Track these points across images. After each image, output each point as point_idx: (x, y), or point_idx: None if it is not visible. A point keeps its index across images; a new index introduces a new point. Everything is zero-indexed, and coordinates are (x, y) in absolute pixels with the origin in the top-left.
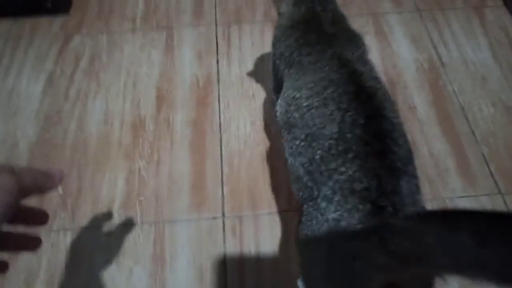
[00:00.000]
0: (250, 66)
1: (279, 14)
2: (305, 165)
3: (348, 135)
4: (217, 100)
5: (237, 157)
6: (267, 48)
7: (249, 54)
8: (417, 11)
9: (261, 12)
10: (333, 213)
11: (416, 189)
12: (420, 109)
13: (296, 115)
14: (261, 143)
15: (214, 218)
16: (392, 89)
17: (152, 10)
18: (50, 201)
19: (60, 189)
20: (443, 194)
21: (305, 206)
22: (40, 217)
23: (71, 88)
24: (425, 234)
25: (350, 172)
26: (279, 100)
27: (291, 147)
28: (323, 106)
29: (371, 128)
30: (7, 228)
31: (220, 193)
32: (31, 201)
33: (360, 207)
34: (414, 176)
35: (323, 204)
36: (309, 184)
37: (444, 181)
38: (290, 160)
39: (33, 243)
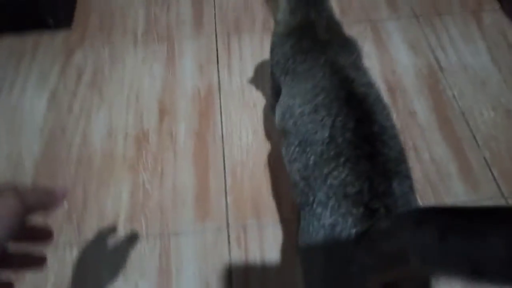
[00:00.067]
0: (250, 75)
1: (276, 22)
2: (300, 170)
3: (339, 140)
4: (219, 110)
5: (240, 167)
6: (267, 56)
7: (250, 63)
8: (415, 16)
9: (260, 21)
10: (329, 219)
11: (410, 190)
12: (420, 115)
13: (291, 122)
14: (264, 152)
15: (219, 229)
16: (391, 95)
17: (153, 23)
18: (55, 216)
19: (65, 204)
20: (446, 199)
21: (302, 212)
22: (45, 235)
23: (75, 103)
24: (400, 234)
25: (342, 176)
26: (277, 107)
27: (287, 154)
28: (315, 112)
29: (361, 131)
30: (12, 246)
31: (224, 203)
32: (36, 217)
33: (354, 210)
34: (407, 177)
35: (319, 210)
36: (305, 189)
37: (446, 186)
38: (287, 166)
39: (38, 262)
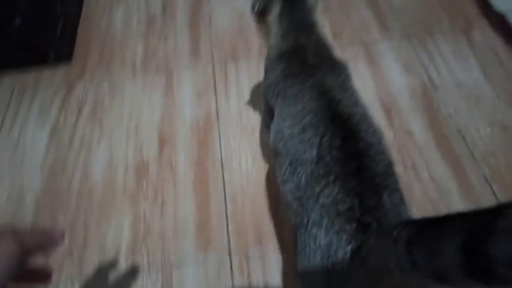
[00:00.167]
0: (248, 99)
1: (269, 46)
2: (293, 191)
3: (327, 158)
4: (218, 137)
5: (241, 194)
6: None
7: (247, 89)
8: (406, 37)
9: (256, 48)
10: (324, 238)
11: (400, 201)
12: (417, 134)
13: (281, 143)
14: (264, 177)
15: (221, 258)
16: (387, 115)
17: (151, 54)
18: (56, 252)
19: (66, 239)
20: None
21: (298, 233)
22: (44, 276)
23: (75, 136)
24: (383, 249)
25: (333, 194)
26: (270, 129)
27: (280, 174)
28: (303, 132)
29: (347, 149)
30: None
31: (226, 231)
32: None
33: (347, 227)
34: (396, 189)
35: (314, 230)
36: (299, 210)
37: (447, 204)
38: (280, 187)
39: None
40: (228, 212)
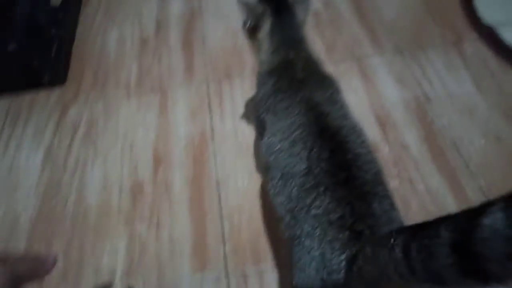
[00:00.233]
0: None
1: (260, 62)
2: (284, 203)
3: (316, 170)
4: (213, 156)
5: (237, 212)
6: None
7: (241, 107)
8: (398, 51)
9: (250, 67)
10: (317, 249)
11: (390, 208)
12: (412, 147)
13: (272, 157)
14: (260, 195)
15: (218, 278)
16: (382, 129)
17: (146, 74)
18: (50, 276)
19: (61, 262)
20: None
21: (292, 247)
22: None
23: (70, 158)
24: (380, 257)
25: (324, 205)
26: (262, 143)
27: (271, 188)
28: (292, 146)
29: (336, 160)
30: None
31: (222, 251)
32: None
33: (340, 235)
34: (386, 196)
35: (307, 242)
36: (291, 222)
37: None
38: (273, 201)
39: None
40: (225, 231)
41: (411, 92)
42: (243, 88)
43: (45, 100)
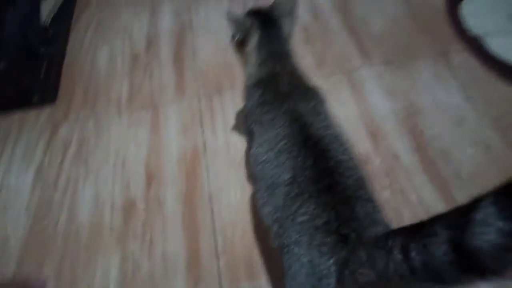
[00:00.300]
0: (234, 134)
1: (247, 74)
2: (272, 213)
3: (300, 178)
4: (205, 170)
5: (230, 227)
6: None
7: (233, 121)
8: (387, 63)
9: (240, 80)
10: (306, 255)
11: (373, 210)
12: (403, 158)
13: (259, 168)
14: (253, 209)
15: None
16: (373, 140)
17: (137, 91)
18: None
19: (53, 282)
20: None
21: (282, 256)
22: None
23: (60, 177)
24: (377, 260)
25: (310, 211)
26: (249, 155)
27: (259, 199)
28: (278, 157)
29: (319, 168)
30: None
31: (216, 266)
32: None
33: (326, 240)
34: (368, 200)
35: (296, 249)
36: (280, 231)
37: None
38: (260, 211)
39: None
40: (218, 246)
41: (401, 103)
42: (234, 102)
43: (35, 119)
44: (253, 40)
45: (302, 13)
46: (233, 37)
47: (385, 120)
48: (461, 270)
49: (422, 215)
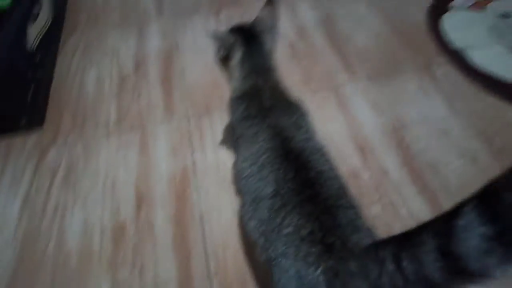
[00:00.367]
0: (223, 153)
1: (231, 88)
2: (257, 226)
3: (283, 190)
4: (196, 191)
5: (222, 247)
6: None
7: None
8: (372, 78)
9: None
10: (293, 267)
11: (355, 216)
12: (392, 172)
13: (242, 182)
14: (243, 227)
15: None
16: (361, 154)
17: (125, 112)
18: None
19: None
20: None
21: (270, 269)
22: None
23: (48, 203)
24: (370, 271)
25: (294, 222)
26: (233, 169)
27: (244, 214)
28: (261, 171)
29: (300, 179)
30: None
31: None
32: None
33: (312, 250)
34: (350, 207)
35: (283, 261)
36: (266, 245)
37: None
38: (246, 225)
39: None
40: (211, 268)
41: (387, 117)
42: (223, 122)
43: (22, 144)
44: (237, 56)
45: (287, 30)
46: (216, 53)
47: (372, 135)
48: (451, 276)
49: None
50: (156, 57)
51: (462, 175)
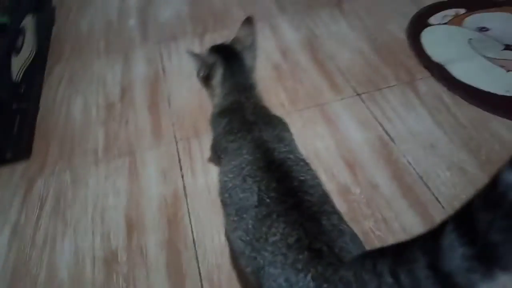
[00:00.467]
0: (214, 174)
1: (214, 105)
2: (243, 237)
3: (267, 200)
4: (187, 215)
5: (216, 271)
6: None
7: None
8: (357, 95)
9: None
10: (282, 275)
11: (338, 221)
12: (382, 186)
13: (226, 195)
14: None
15: None
16: (351, 170)
17: (113, 140)
18: None
19: None
20: None
21: (259, 279)
22: None
23: (38, 234)
24: (367, 281)
25: (280, 230)
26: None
27: (228, 225)
28: (244, 182)
29: (283, 188)
30: None
31: None
32: None
33: (300, 256)
34: (332, 212)
35: (271, 270)
36: (252, 254)
37: None
38: (231, 237)
39: None
40: None
41: (374, 132)
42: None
43: (9, 176)
44: (218, 75)
45: (272, 52)
46: (198, 73)
47: (360, 150)
48: None
49: None
50: (142, 83)
51: (451, 187)
